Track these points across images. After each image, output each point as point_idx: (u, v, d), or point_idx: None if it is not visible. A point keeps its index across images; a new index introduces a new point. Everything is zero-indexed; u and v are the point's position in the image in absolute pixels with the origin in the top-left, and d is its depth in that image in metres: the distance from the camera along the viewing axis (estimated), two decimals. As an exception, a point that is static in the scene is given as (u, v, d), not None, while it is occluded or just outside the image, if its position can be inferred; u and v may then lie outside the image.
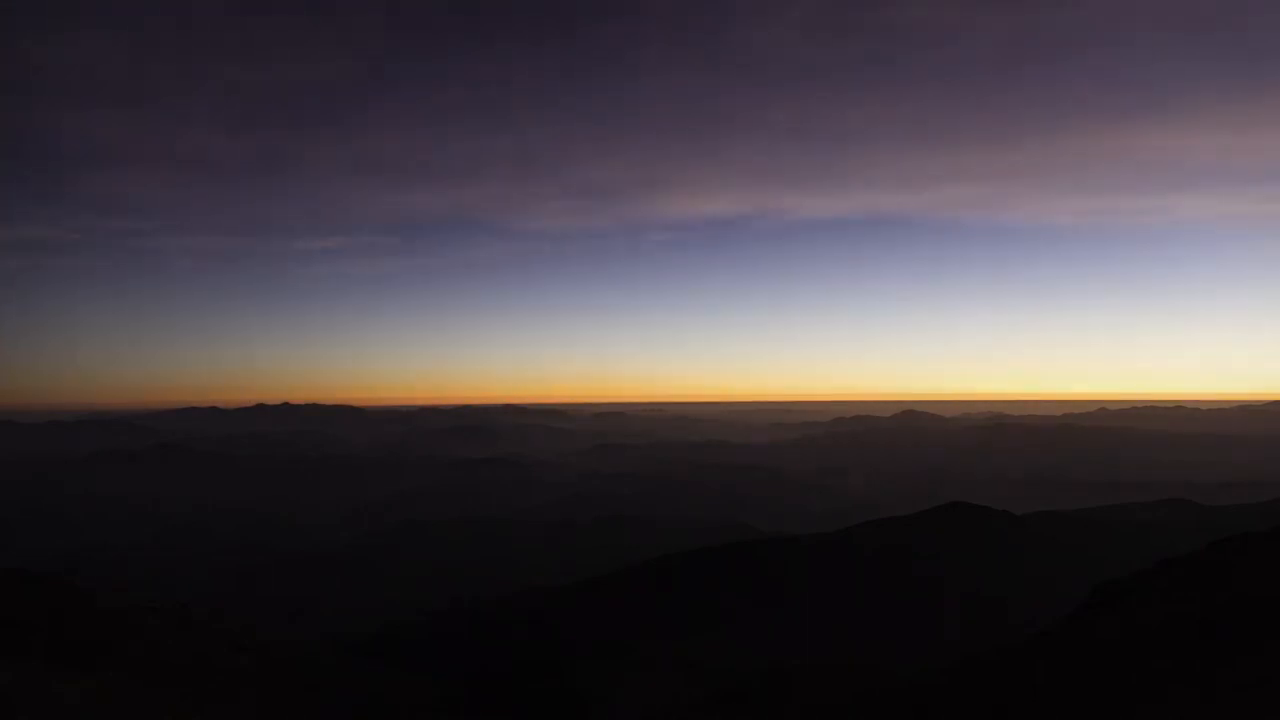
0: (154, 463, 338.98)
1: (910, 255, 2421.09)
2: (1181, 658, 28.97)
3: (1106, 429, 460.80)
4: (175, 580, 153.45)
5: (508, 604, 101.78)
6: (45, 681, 39.55)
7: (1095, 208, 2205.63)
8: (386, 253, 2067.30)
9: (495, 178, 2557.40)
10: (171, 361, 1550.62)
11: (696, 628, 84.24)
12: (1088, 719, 28.68)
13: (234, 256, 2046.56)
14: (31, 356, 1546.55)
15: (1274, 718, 22.02)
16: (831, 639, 79.36)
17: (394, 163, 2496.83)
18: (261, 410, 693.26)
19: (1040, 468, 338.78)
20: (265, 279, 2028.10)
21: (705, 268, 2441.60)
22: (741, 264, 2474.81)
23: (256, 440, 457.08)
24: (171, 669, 52.28)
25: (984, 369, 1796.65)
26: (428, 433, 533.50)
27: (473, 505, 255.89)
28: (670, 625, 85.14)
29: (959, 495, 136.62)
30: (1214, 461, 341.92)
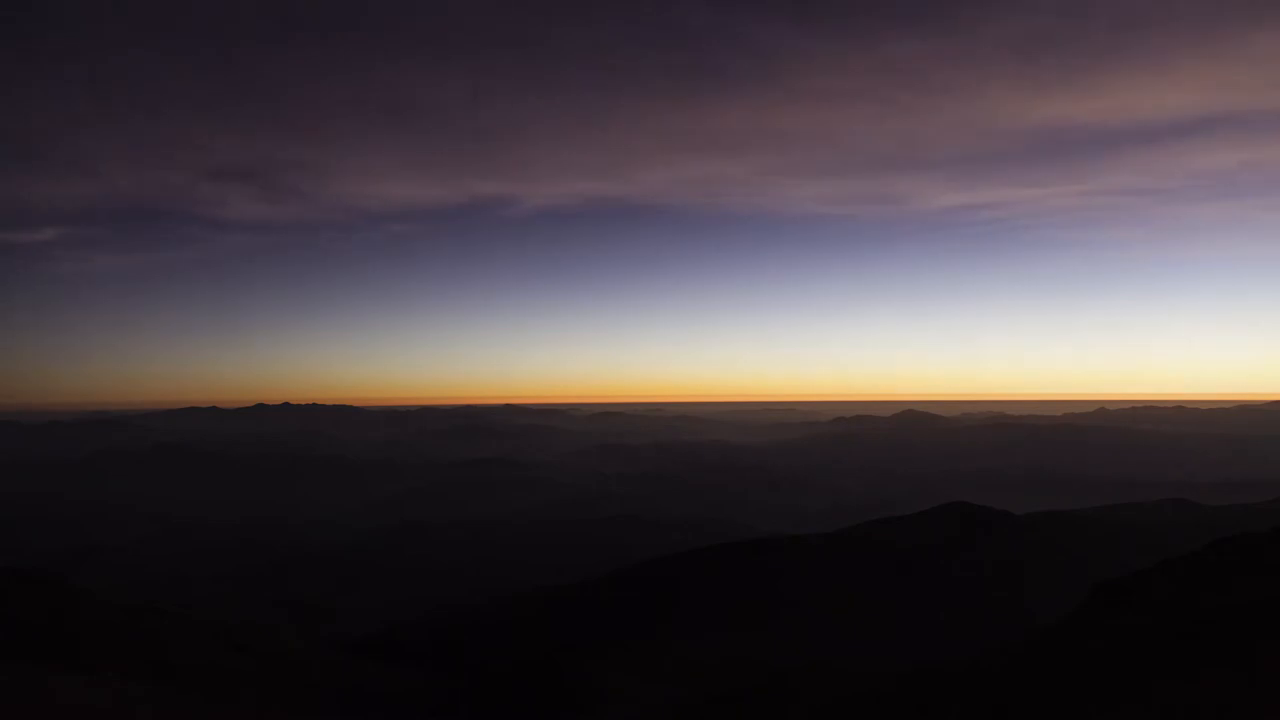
0: (154, 463, 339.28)
1: (907, 254, 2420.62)
2: (1181, 658, 28.98)
3: (1106, 429, 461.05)
4: (175, 580, 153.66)
5: (508, 604, 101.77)
6: (45, 681, 39.53)
7: (1095, 202, 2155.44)
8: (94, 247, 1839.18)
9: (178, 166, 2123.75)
10: (171, 362, 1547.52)
11: (696, 628, 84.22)
12: (1088, 719, 28.68)
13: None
14: (31, 356, 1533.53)
15: (1273, 718, 22.03)
16: (831, 639, 79.34)
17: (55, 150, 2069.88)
18: (261, 410, 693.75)
19: (1040, 468, 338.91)
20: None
21: (707, 266, 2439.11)
22: (742, 262, 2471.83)
23: (256, 440, 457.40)
24: (171, 669, 52.29)
25: (984, 369, 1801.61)
26: (428, 433, 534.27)
27: (473, 505, 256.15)
28: (670, 625, 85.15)
29: (959, 495, 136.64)
30: (1214, 461, 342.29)
